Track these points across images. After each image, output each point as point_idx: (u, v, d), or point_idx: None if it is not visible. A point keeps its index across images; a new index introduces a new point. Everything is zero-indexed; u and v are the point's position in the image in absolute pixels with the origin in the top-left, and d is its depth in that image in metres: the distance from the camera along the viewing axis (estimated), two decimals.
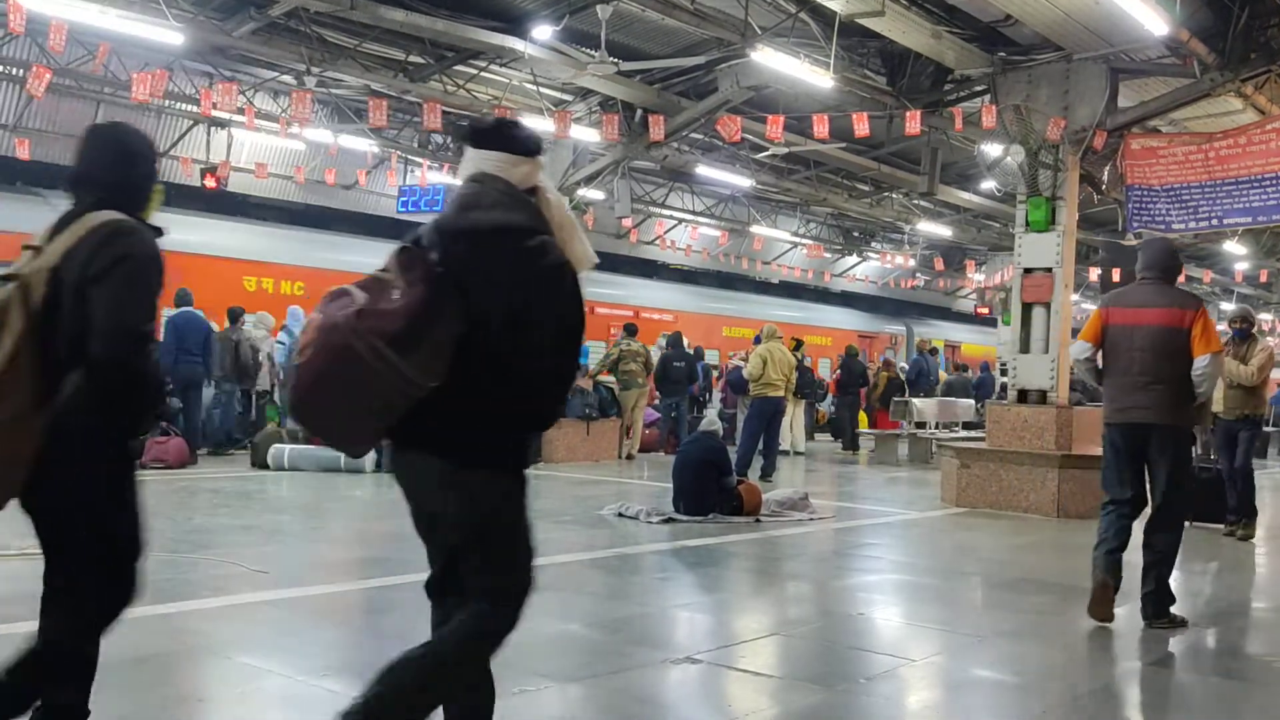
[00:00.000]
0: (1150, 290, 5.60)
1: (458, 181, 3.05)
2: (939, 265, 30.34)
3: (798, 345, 17.17)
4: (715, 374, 21.18)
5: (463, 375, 2.73)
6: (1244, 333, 9.69)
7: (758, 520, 9.14)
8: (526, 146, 2.99)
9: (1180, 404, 5.47)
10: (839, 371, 20.60)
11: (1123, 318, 5.57)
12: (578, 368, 3.15)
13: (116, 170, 3.02)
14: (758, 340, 14.04)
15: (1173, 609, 5.67)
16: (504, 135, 2.98)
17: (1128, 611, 6.24)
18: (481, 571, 2.87)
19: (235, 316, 14.24)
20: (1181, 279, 5.75)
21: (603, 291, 22.84)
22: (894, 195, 23.37)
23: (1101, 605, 5.47)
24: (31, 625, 4.79)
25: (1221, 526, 9.44)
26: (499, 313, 2.75)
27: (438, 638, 2.94)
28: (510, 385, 2.79)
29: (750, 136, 16.60)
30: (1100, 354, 5.66)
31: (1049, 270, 11.68)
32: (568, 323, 2.87)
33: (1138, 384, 5.47)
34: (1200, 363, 5.39)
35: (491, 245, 2.82)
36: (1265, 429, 17.72)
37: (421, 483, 2.96)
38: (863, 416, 21.00)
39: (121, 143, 3.10)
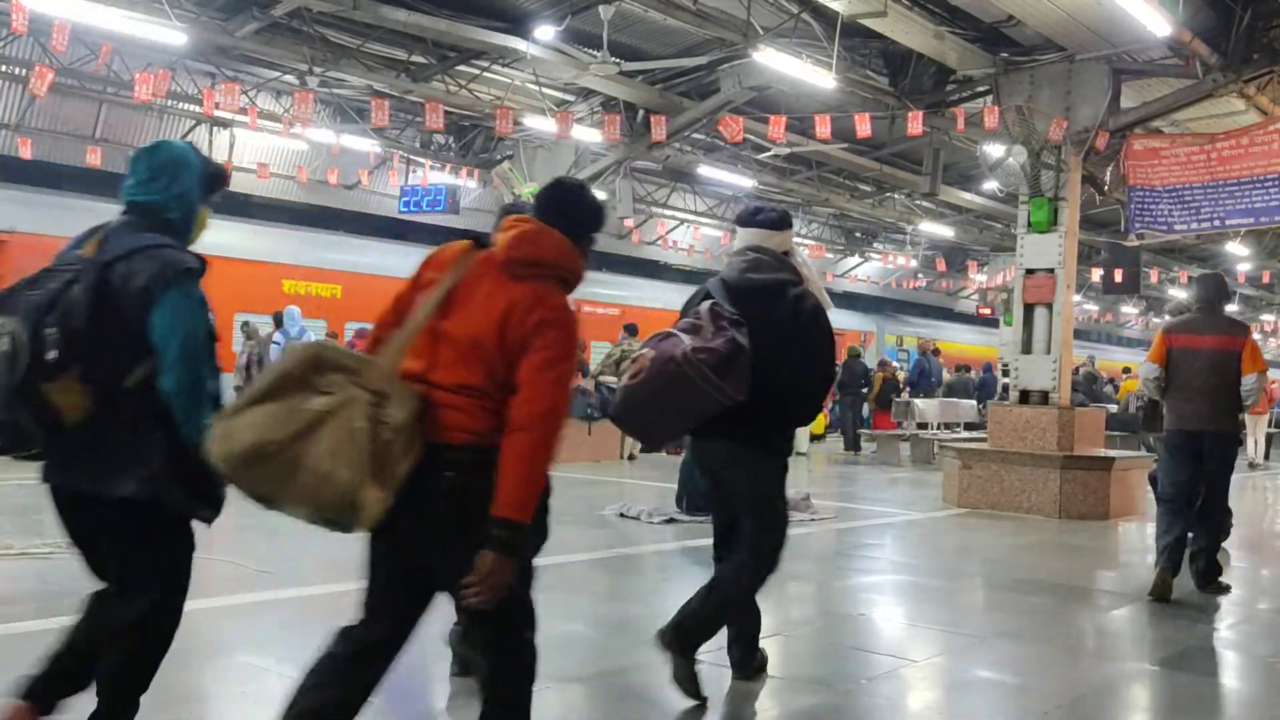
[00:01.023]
0: (1206, 318, 6.63)
1: (734, 247, 4.37)
2: (941, 266, 30.34)
3: None
4: None
5: (751, 388, 3.85)
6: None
7: None
8: (778, 224, 4.28)
9: (1230, 413, 6.52)
10: (840, 372, 20.61)
11: (1184, 342, 6.57)
12: (832, 381, 4.44)
13: None
14: None
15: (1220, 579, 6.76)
16: (762, 217, 4.30)
17: (1130, 613, 6.24)
18: (753, 528, 4.08)
19: (280, 320, 14.91)
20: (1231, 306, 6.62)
21: (606, 292, 22.87)
22: (896, 196, 23.37)
23: (1162, 589, 6.35)
24: (33, 624, 4.80)
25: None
26: (782, 344, 3.96)
27: (720, 578, 4.13)
28: (783, 395, 4.00)
29: (752, 137, 16.60)
30: (1164, 372, 6.64)
31: (1051, 271, 11.67)
32: (825, 349, 4.11)
33: (1196, 397, 6.47)
34: (1248, 380, 6.42)
35: (770, 296, 4.08)
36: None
37: (720, 461, 4.15)
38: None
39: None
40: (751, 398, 3.85)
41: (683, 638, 3.98)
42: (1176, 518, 6.49)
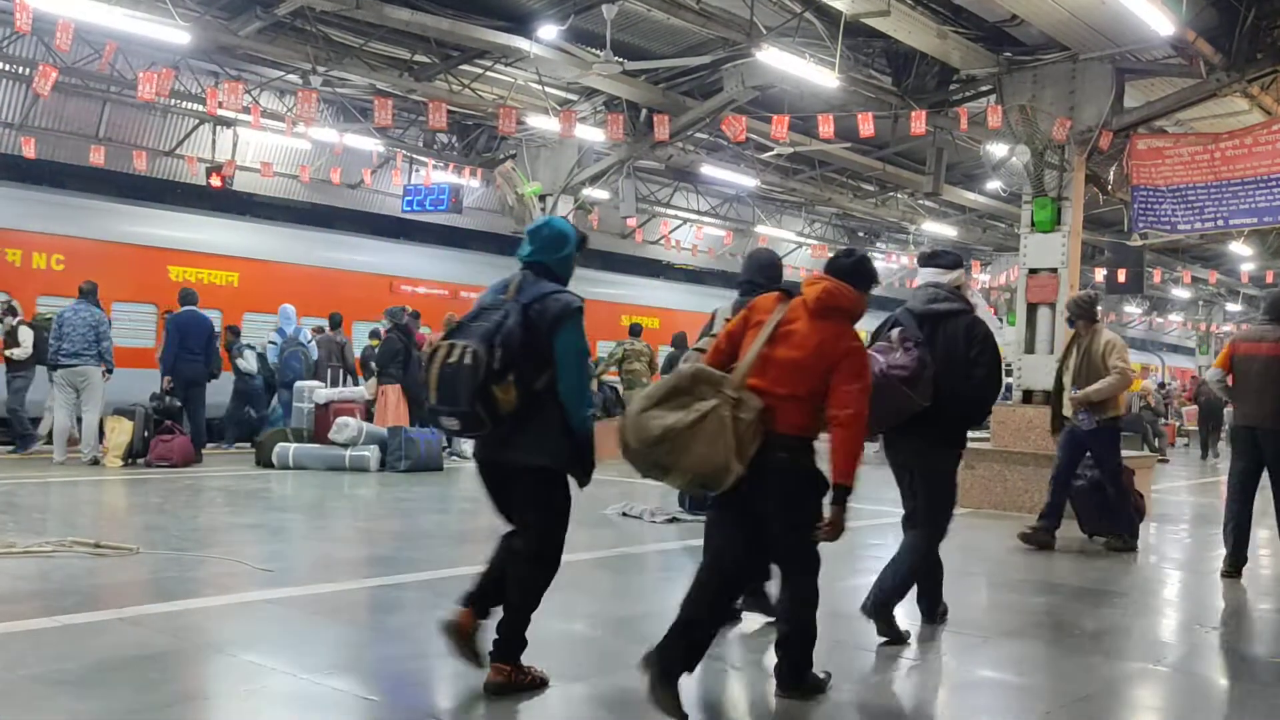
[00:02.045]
0: (1265, 328, 7.27)
1: (921, 279, 5.49)
2: None
3: None
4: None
5: (934, 395, 4.93)
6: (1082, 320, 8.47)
7: None
8: (952, 265, 5.46)
9: None
10: None
11: (1246, 349, 7.28)
12: (998, 391, 5.39)
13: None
14: None
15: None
16: (940, 260, 5.49)
17: (1132, 612, 6.24)
18: (927, 509, 5.24)
19: (336, 323, 14.85)
20: None
21: (610, 291, 22.85)
22: (899, 195, 23.36)
23: (1232, 572, 7.21)
24: (36, 622, 4.81)
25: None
26: (957, 360, 5.09)
27: (904, 550, 5.26)
28: (959, 400, 5.10)
29: (755, 136, 16.59)
30: (1230, 377, 7.36)
31: (1054, 271, 11.66)
32: (993, 364, 5.19)
33: (1252, 397, 7.15)
34: None
35: (947, 323, 5.21)
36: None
37: (910, 453, 5.21)
38: None
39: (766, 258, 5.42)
40: (934, 403, 4.95)
41: (881, 606, 5.09)
42: (1236, 503, 7.24)
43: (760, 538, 4.09)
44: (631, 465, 4.01)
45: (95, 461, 11.73)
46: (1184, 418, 25.81)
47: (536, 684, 4.10)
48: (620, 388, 15.79)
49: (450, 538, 8.09)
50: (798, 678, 4.18)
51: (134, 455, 11.86)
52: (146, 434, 11.93)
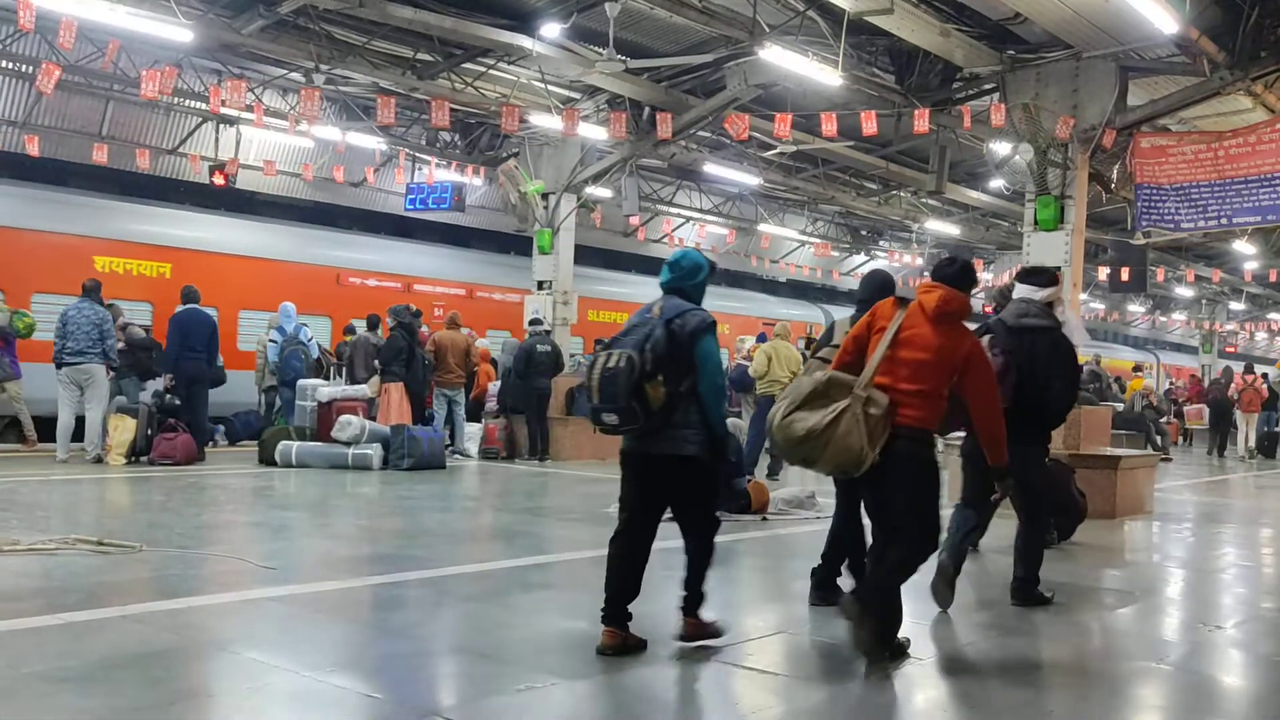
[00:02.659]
0: None
1: (1013, 296, 6.21)
2: None
3: (808, 344, 17.09)
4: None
5: (1018, 398, 5.63)
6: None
7: (764, 519, 9.13)
8: (1046, 283, 6.12)
9: None
10: None
11: None
12: (1074, 398, 6.12)
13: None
14: (762, 339, 14.01)
15: None
16: (1034, 278, 6.18)
17: (1135, 611, 6.23)
18: (1024, 495, 5.91)
19: (374, 324, 14.73)
20: None
21: (613, 290, 22.82)
22: (902, 193, 23.34)
23: None
24: (39, 620, 4.82)
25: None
26: (1040, 370, 5.76)
27: (1020, 536, 6.09)
28: (1043, 403, 5.80)
29: (758, 134, 16.59)
30: None
31: (1057, 269, 11.65)
32: (1074, 374, 6.01)
33: None
34: None
35: (1036, 335, 5.87)
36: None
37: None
38: None
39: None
40: (1020, 404, 5.61)
41: (1025, 587, 6.04)
42: None
43: (873, 511, 5.09)
44: (781, 458, 5.16)
45: (98, 459, 11.75)
46: (1185, 416, 25.80)
47: (717, 634, 4.87)
48: None
49: (452, 536, 8.09)
50: (885, 644, 4.67)
51: (137, 453, 11.87)
52: (150, 432, 11.95)
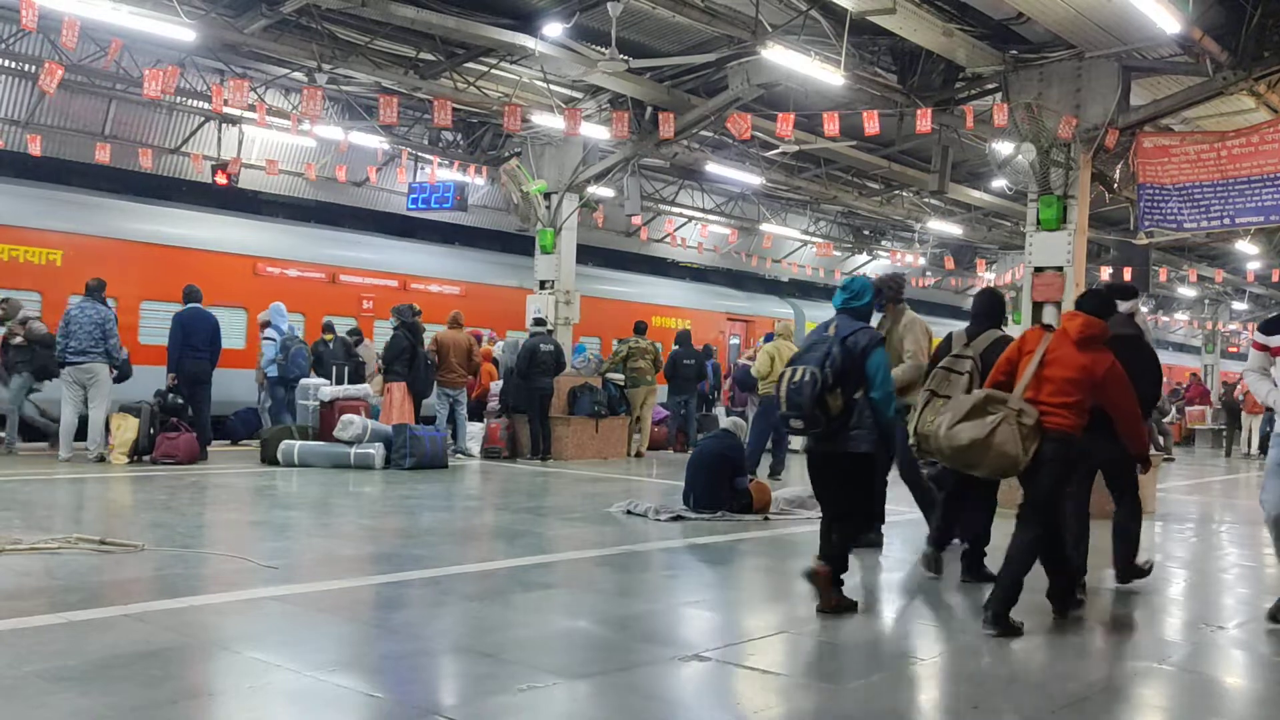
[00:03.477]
0: None
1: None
2: (949, 264, 30.27)
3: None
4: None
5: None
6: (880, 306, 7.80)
7: (766, 518, 9.13)
8: (1126, 295, 6.69)
9: None
10: None
11: None
12: (1157, 398, 6.60)
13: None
14: (768, 338, 14.00)
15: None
16: (1116, 292, 6.42)
17: (1137, 611, 6.23)
18: (1122, 487, 6.58)
19: (355, 333, 14.98)
20: None
21: (616, 289, 22.79)
22: (904, 193, 23.33)
23: None
24: (42, 619, 4.82)
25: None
26: (1129, 373, 5.64)
27: (1119, 526, 6.60)
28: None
29: (760, 134, 16.58)
30: None
31: (1060, 269, 11.65)
32: (1155, 379, 6.53)
33: None
34: None
35: (1124, 344, 5.95)
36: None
37: (1092, 446, 5.78)
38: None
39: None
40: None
41: (1129, 569, 6.57)
42: None
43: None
44: (943, 462, 5.76)
45: (101, 458, 11.76)
46: (1187, 416, 25.80)
47: (851, 607, 5.61)
48: (624, 385, 15.78)
49: (454, 535, 8.09)
50: (1004, 619, 5.32)
51: (139, 452, 11.88)
52: (152, 431, 11.96)
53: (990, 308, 6.86)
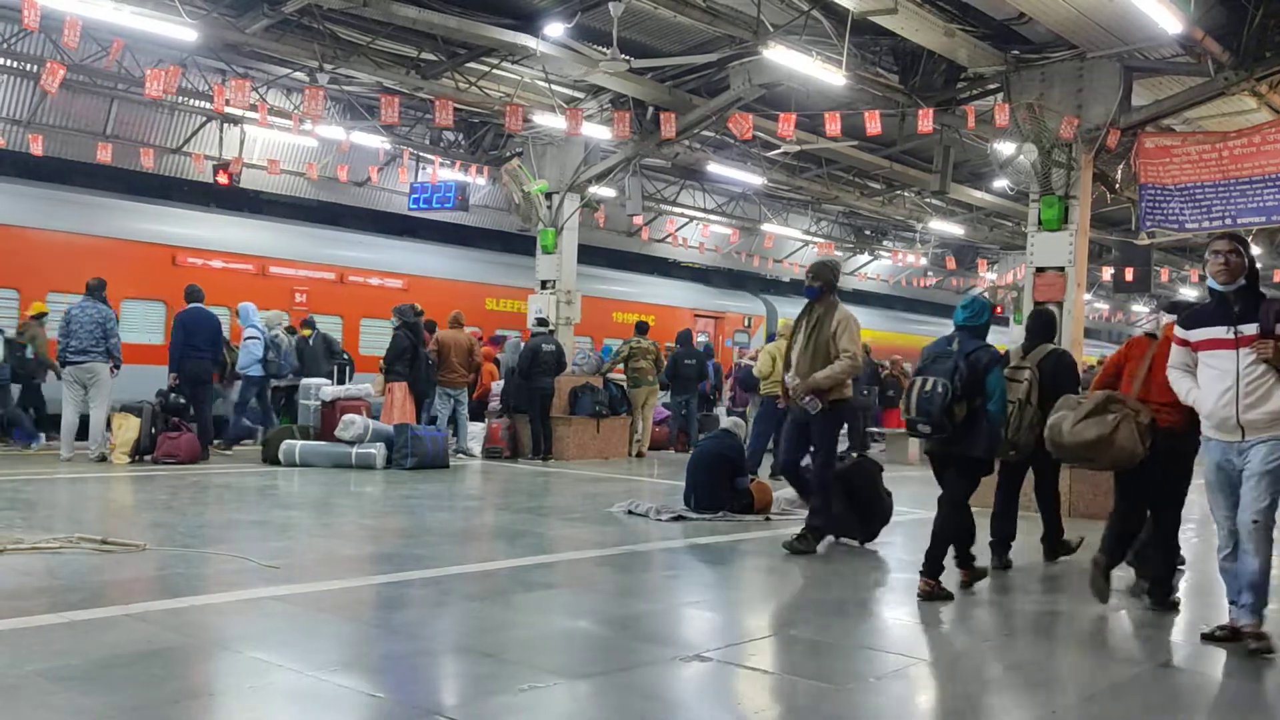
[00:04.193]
0: None
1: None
2: (951, 264, 30.25)
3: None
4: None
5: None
6: (817, 291, 7.71)
7: (768, 519, 9.13)
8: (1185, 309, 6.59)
9: None
10: None
11: None
12: None
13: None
14: (772, 338, 13.99)
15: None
16: (1175, 309, 6.24)
17: (1139, 612, 6.22)
18: (1177, 493, 6.37)
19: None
20: None
21: (618, 289, 22.76)
22: (906, 193, 23.32)
23: None
24: (44, 618, 4.82)
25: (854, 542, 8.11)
26: None
27: (1160, 521, 6.32)
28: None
29: (762, 134, 16.57)
30: None
31: (1061, 269, 11.65)
32: None
33: None
34: None
35: None
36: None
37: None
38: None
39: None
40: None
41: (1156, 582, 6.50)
42: None
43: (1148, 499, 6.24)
44: (1061, 459, 6.46)
45: (102, 458, 11.76)
46: None
47: (948, 596, 6.16)
48: (626, 386, 15.78)
49: (455, 535, 8.09)
50: (1164, 594, 6.07)
51: (141, 452, 11.88)
52: (154, 430, 11.96)
53: (1044, 325, 7.58)
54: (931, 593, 6.08)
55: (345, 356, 15.34)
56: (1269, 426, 5.05)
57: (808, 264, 7.96)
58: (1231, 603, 5.28)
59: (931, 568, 6.18)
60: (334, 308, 17.42)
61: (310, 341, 14.77)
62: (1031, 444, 6.75)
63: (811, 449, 7.81)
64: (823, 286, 7.68)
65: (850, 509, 7.95)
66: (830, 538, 7.97)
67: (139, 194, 17.66)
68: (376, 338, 16.87)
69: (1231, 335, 5.17)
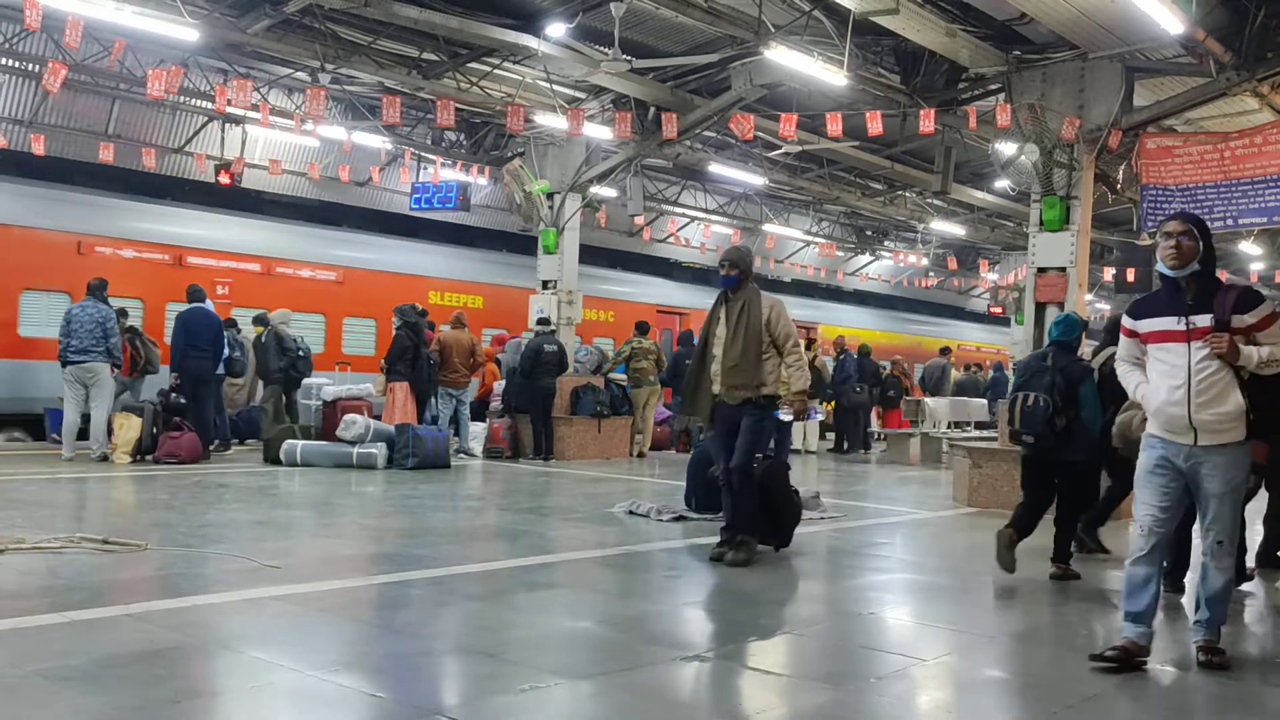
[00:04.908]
0: None
1: None
2: (952, 264, 30.25)
3: (808, 345, 17.03)
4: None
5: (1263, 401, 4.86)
6: (736, 280, 7.15)
7: None
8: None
9: None
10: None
11: None
12: None
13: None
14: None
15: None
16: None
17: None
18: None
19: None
20: None
21: (618, 289, 22.77)
22: (907, 194, 23.33)
23: None
24: (45, 618, 4.82)
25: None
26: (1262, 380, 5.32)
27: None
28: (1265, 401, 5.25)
29: (763, 134, 16.58)
30: None
31: (1063, 270, 11.65)
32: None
33: None
34: None
35: None
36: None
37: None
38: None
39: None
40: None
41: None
42: None
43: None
44: (1130, 455, 5.88)
45: (104, 458, 11.77)
46: None
47: (1076, 576, 6.95)
48: (627, 386, 15.78)
49: (456, 535, 8.09)
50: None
51: (142, 452, 11.89)
52: (155, 430, 11.97)
53: (1108, 329, 7.96)
54: (1063, 574, 6.96)
55: (300, 351, 14.40)
56: (1224, 430, 4.63)
57: (724, 252, 7.23)
58: (1131, 616, 4.82)
59: (1061, 553, 7.06)
60: (261, 302, 16.13)
61: (263, 339, 14.26)
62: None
63: (739, 448, 7.09)
64: (741, 274, 7.14)
65: (763, 512, 7.35)
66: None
67: (141, 194, 17.67)
68: (311, 335, 16.29)
69: (1183, 327, 4.65)
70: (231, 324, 14.39)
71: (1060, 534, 7.09)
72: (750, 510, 7.18)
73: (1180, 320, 4.66)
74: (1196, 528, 4.96)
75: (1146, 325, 4.81)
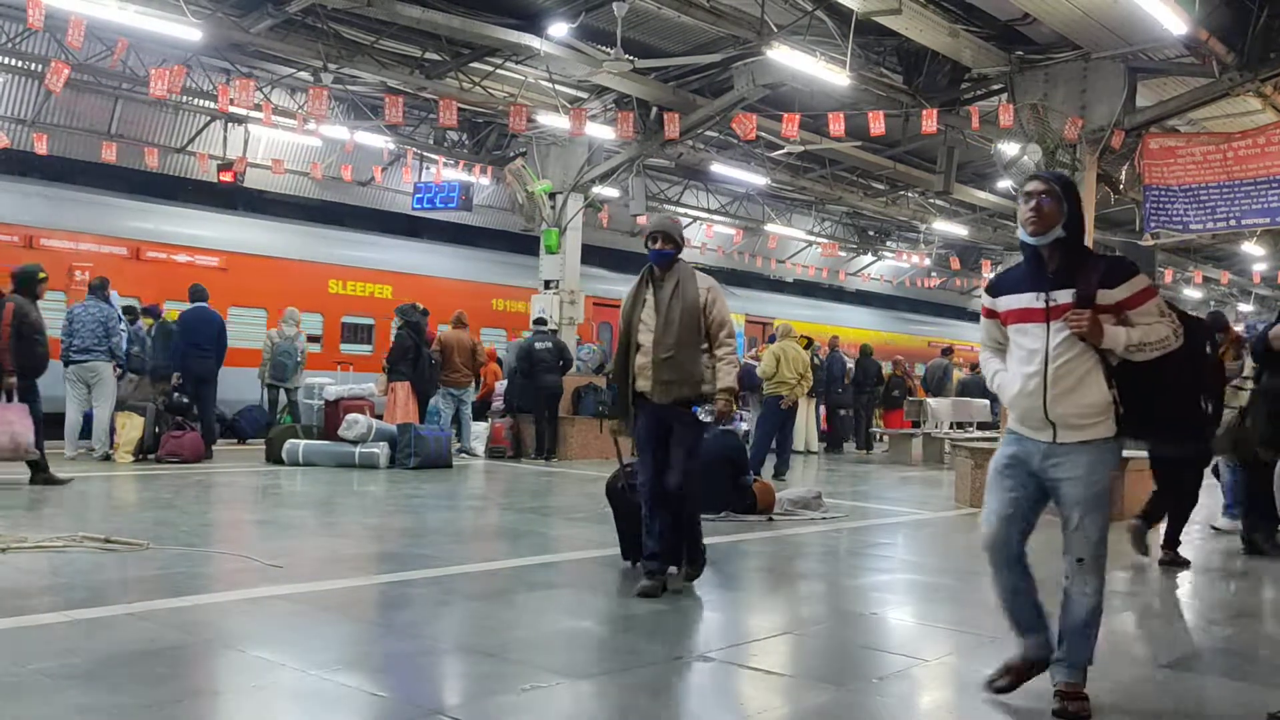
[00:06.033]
0: None
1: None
2: (954, 264, 30.22)
3: (808, 344, 16.98)
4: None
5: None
6: (670, 255, 6.11)
7: (771, 519, 9.12)
8: None
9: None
10: (854, 370, 20.37)
11: None
12: None
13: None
14: (772, 339, 13.99)
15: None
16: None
17: (1139, 614, 6.22)
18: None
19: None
20: None
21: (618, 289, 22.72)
22: (909, 194, 23.33)
23: None
24: (47, 616, 4.83)
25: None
26: None
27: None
28: None
29: (766, 134, 16.58)
30: None
31: None
32: None
33: None
34: None
35: None
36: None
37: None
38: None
39: None
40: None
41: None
42: None
43: None
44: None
45: (106, 457, 11.78)
46: None
47: (1186, 563, 7.62)
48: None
49: (458, 535, 8.10)
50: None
51: (145, 451, 11.90)
52: (157, 430, 11.98)
53: (1191, 331, 8.66)
54: (1174, 560, 7.65)
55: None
56: (1084, 425, 3.85)
57: (654, 223, 6.16)
58: (1015, 629, 4.33)
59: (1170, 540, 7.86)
60: (129, 289, 14.51)
61: (152, 332, 13.39)
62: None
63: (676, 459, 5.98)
64: (674, 250, 6.07)
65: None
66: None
67: (143, 194, 17.67)
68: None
69: (1042, 304, 3.89)
70: (134, 316, 13.55)
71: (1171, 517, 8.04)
72: (698, 536, 6.24)
73: (1039, 297, 3.90)
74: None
75: (1005, 303, 4.03)
